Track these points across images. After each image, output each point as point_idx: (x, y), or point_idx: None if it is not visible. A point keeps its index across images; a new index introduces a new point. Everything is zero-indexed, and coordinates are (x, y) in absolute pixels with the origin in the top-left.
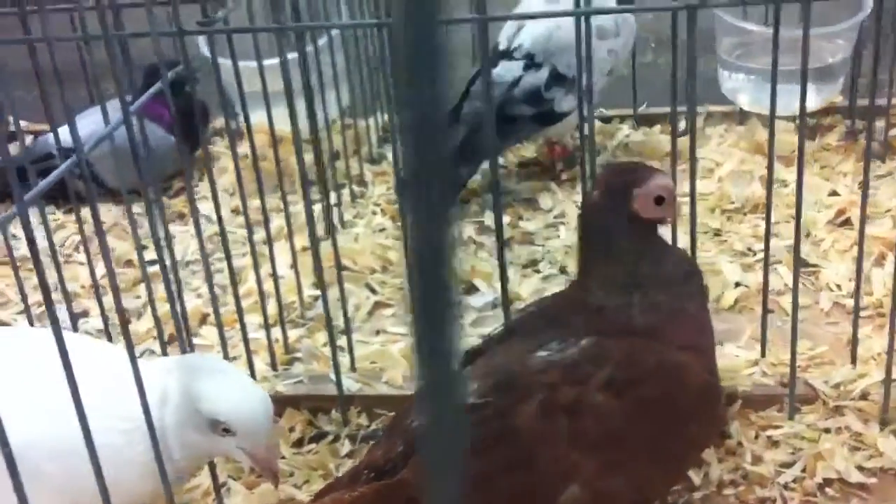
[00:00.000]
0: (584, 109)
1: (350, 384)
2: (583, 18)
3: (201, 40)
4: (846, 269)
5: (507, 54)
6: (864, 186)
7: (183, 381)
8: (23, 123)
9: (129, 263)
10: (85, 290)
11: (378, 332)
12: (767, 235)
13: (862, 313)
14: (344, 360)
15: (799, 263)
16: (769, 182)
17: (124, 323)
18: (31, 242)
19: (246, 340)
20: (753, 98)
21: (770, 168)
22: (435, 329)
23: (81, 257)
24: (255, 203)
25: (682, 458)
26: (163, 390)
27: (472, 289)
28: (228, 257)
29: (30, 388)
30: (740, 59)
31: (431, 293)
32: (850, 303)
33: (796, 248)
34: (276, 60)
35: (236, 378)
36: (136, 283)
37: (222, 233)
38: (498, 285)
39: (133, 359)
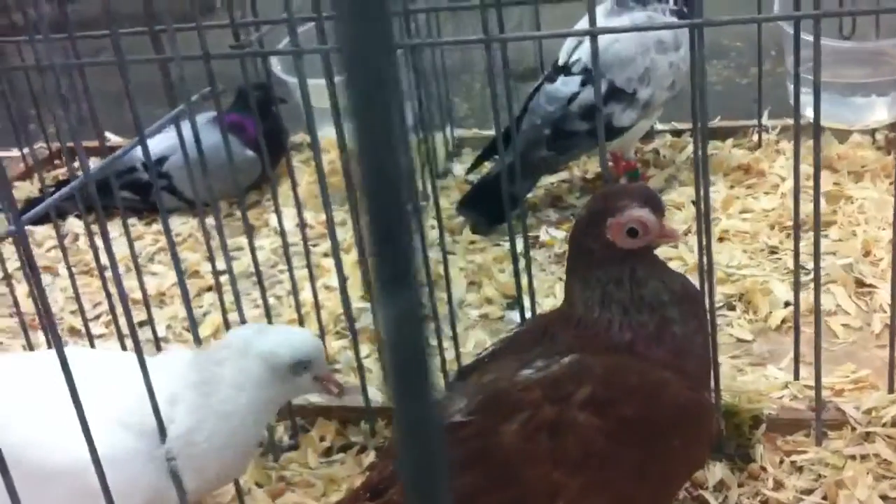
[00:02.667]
0: (599, 127)
1: (379, 396)
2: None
3: (274, 61)
4: None
5: (566, 69)
6: None
7: (250, 353)
8: (116, 139)
9: (195, 274)
10: (151, 298)
11: None
12: (797, 248)
13: None
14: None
15: (819, 282)
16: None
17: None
18: (30, 261)
19: None
20: (823, 111)
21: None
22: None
23: (155, 267)
24: (321, 217)
25: (668, 477)
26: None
27: (516, 304)
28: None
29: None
30: (808, 72)
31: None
32: None
33: (815, 261)
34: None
35: (284, 328)
36: (199, 293)
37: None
38: (544, 300)
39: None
